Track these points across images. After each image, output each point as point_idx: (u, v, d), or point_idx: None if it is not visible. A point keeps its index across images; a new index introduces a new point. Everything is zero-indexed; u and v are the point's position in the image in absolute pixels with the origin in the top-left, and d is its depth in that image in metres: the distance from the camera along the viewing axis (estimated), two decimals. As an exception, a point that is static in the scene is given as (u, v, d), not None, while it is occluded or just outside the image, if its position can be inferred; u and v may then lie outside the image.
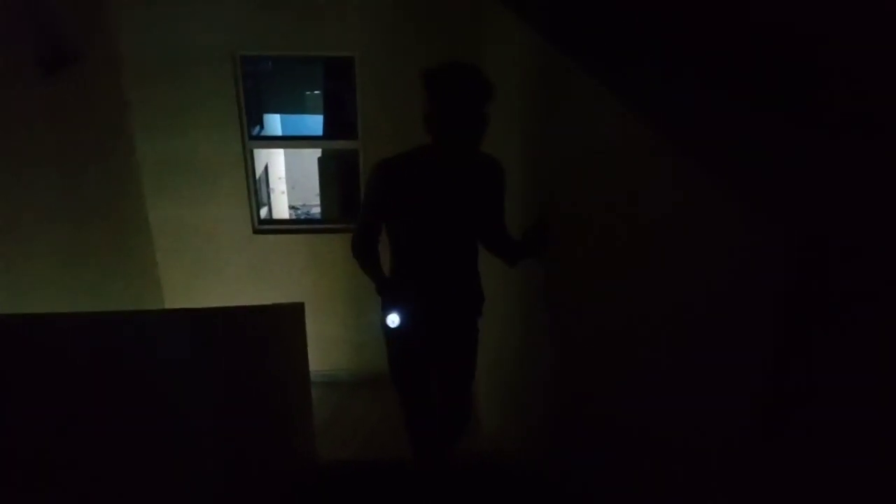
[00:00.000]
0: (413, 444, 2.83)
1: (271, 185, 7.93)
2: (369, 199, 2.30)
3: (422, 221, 2.27)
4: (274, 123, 7.84)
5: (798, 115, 1.41)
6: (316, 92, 8.03)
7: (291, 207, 9.02)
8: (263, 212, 6.68)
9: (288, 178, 8.49)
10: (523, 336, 2.83)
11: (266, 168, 7.89)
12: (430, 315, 2.41)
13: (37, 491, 0.84)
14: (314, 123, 7.59)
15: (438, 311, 2.42)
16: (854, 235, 0.95)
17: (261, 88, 6.90)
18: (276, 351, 2.83)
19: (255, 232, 4.72)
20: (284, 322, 3.09)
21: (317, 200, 7.41)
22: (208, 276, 4.72)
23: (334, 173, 6.01)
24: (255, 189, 4.76)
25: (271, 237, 4.76)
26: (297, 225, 5.65)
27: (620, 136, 1.58)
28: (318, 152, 6.69)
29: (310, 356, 3.59)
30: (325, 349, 4.85)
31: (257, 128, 6.72)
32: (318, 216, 7.03)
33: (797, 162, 1.21)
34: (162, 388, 1.38)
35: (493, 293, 2.64)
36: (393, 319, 2.31)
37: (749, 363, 1.06)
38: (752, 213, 1.05)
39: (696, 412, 1.24)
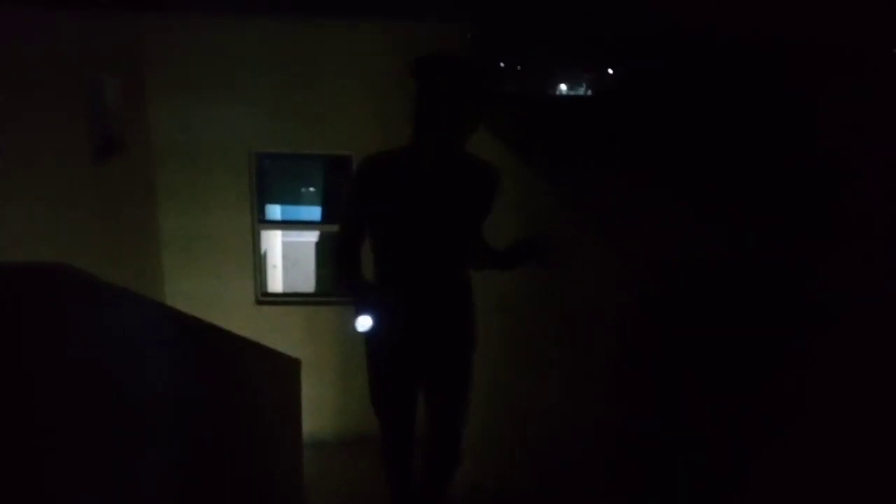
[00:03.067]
0: (389, 480, 2.56)
1: (270, 262, 8.58)
2: (349, 199, 2.18)
3: (400, 227, 2.11)
4: (275, 212, 8.58)
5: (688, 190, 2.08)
6: (311, 189, 8.83)
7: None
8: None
9: (284, 262, 9.16)
10: (500, 366, 3.02)
11: (265, 254, 8.55)
12: (414, 335, 2.21)
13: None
14: (311, 214, 8.34)
15: (424, 332, 2.21)
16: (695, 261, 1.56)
17: (264, 181, 7.68)
18: (271, 391, 3.33)
19: (258, 303, 5.31)
20: (281, 368, 3.60)
21: (308, 287, 8.04)
22: (212, 341, 5.25)
23: (328, 255, 6.71)
24: (260, 265, 5.39)
25: (272, 307, 5.35)
26: (295, 297, 6.25)
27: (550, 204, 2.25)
28: (314, 238, 7.40)
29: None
30: (312, 411, 5.30)
31: (261, 216, 7.45)
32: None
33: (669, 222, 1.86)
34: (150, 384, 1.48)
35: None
36: (363, 323, 2.05)
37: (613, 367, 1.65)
38: (609, 246, 1.68)
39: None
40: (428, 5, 5.68)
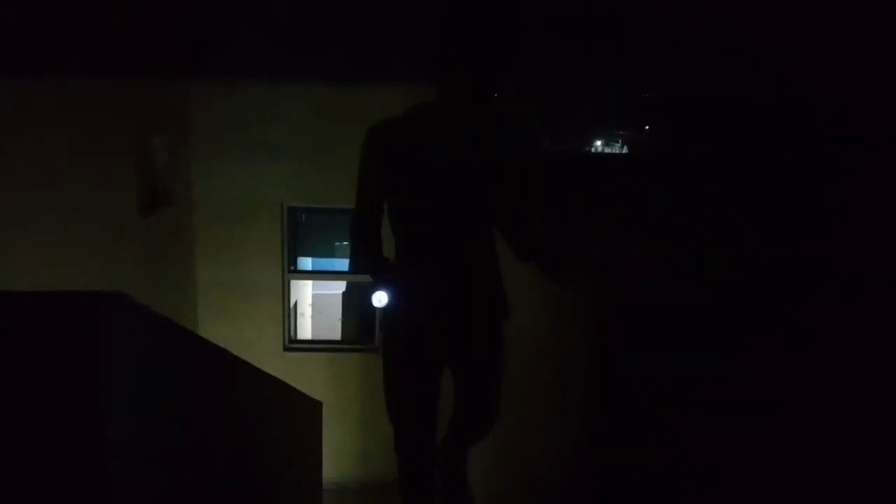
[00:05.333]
0: (405, 488, 2.28)
1: (300, 311, 8.90)
2: (362, 174, 1.90)
3: (423, 195, 1.85)
4: (305, 264, 8.94)
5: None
6: (345, 243, 9.19)
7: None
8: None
9: (313, 310, 9.49)
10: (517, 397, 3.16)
11: (295, 303, 8.88)
12: (442, 311, 1.95)
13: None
14: (340, 266, 8.67)
15: (453, 315, 1.96)
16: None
17: (297, 234, 8.08)
18: (293, 429, 3.54)
19: (286, 349, 5.56)
20: (303, 407, 3.81)
21: (334, 335, 8.33)
22: (241, 385, 5.50)
23: (355, 304, 6.99)
24: (289, 314, 5.67)
25: (299, 354, 5.60)
26: (321, 344, 6.51)
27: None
28: (342, 288, 7.71)
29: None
30: (334, 456, 5.47)
31: (291, 267, 7.82)
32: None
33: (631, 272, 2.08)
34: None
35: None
36: (380, 298, 1.94)
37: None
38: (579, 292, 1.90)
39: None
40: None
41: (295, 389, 3.46)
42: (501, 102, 1.84)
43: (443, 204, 1.85)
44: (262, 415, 2.75)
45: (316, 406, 4.17)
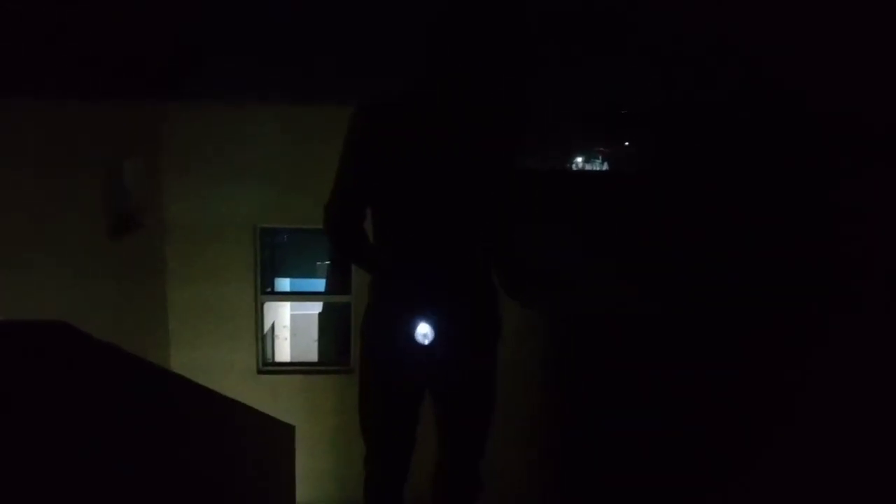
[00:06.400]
0: None
1: (276, 332, 8.84)
2: (346, 161, 1.70)
3: (412, 195, 1.64)
4: (283, 285, 8.89)
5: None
6: (326, 262, 9.18)
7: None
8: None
9: (291, 330, 9.43)
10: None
11: (273, 325, 8.81)
12: (432, 340, 1.69)
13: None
14: (320, 286, 8.64)
15: (442, 333, 1.69)
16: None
17: (274, 256, 8.05)
18: (263, 456, 3.47)
19: (260, 372, 5.50)
20: (274, 433, 3.75)
21: (311, 356, 8.28)
22: (215, 409, 5.41)
23: (331, 325, 6.97)
24: (263, 336, 5.61)
25: (273, 377, 5.53)
26: (295, 367, 6.45)
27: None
28: (318, 309, 7.67)
29: (297, 488, 4.19)
30: (309, 480, 5.38)
31: (268, 288, 7.78)
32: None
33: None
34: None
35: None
36: (424, 332, 1.63)
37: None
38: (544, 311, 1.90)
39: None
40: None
41: (265, 415, 3.40)
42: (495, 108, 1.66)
43: (444, 202, 1.63)
44: (227, 441, 2.70)
45: (288, 430, 4.10)
